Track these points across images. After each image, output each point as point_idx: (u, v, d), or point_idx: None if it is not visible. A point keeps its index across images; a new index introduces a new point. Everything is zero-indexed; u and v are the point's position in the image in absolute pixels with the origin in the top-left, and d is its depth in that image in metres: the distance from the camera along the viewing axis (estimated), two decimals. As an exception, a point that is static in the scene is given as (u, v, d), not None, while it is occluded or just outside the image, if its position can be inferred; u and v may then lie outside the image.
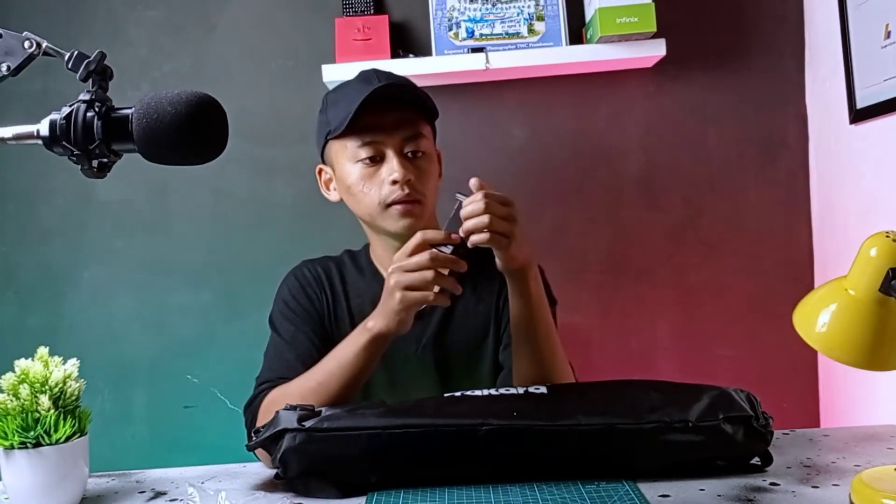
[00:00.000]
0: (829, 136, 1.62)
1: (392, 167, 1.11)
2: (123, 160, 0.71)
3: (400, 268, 0.97)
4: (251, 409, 1.12)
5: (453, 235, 0.97)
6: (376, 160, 1.13)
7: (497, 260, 1.02)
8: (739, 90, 1.70)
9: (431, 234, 0.98)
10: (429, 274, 0.95)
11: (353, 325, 1.16)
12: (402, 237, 1.11)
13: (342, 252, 1.29)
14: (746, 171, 1.71)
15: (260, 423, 1.03)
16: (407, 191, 1.11)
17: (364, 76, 1.17)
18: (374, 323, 1.00)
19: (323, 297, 1.22)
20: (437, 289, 0.96)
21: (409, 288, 0.96)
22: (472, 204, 0.96)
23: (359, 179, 1.14)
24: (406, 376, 1.19)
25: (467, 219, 0.96)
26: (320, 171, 1.24)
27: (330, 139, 1.16)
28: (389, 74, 1.17)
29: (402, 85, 1.15)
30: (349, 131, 1.13)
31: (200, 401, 1.76)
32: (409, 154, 1.14)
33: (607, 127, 1.72)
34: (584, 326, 1.71)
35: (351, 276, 1.24)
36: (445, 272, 0.96)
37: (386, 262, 1.15)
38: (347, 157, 1.15)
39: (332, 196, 1.23)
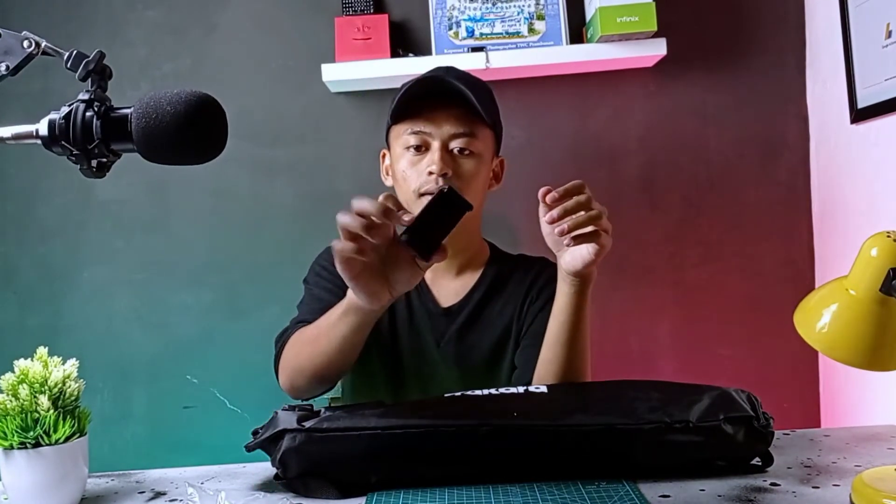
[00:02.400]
0: (829, 136, 1.62)
1: (432, 158, 1.13)
2: (123, 160, 0.71)
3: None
4: (281, 340, 1.15)
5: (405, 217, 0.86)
6: (422, 150, 1.15)
7: (574, 262, 1.00)
8: (740, 90, 1.70)
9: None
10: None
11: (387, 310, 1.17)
12: None
13: None
14: (747, 170, 1.71)
15: (284, 356, 1.10)
16: (441, 183, 1.12)
17: (436, 70, 1.20)
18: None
19: None
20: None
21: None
22: (580, 213, 0.93)
23: (404, 165, 1.17)
24: (428, 367, 1.21)
25: (575, 227, 0.93)
26: (384, 155, 1.27)
27: (391, 124, 1.20)
28: (462, 74, 1.18)
29: (465, 81, 1.15)
30: (405, 118, 1.16)
31: (200, 401, 1.76)
32: (456, 150, 1.15)
33: (607, 126, 1.72)
34: (584, 326, 1.71)
35: None
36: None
37: None
38: (400, 142, 1.18)
39: (388, 181, 1.26)
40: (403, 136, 1.16)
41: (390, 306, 1.15)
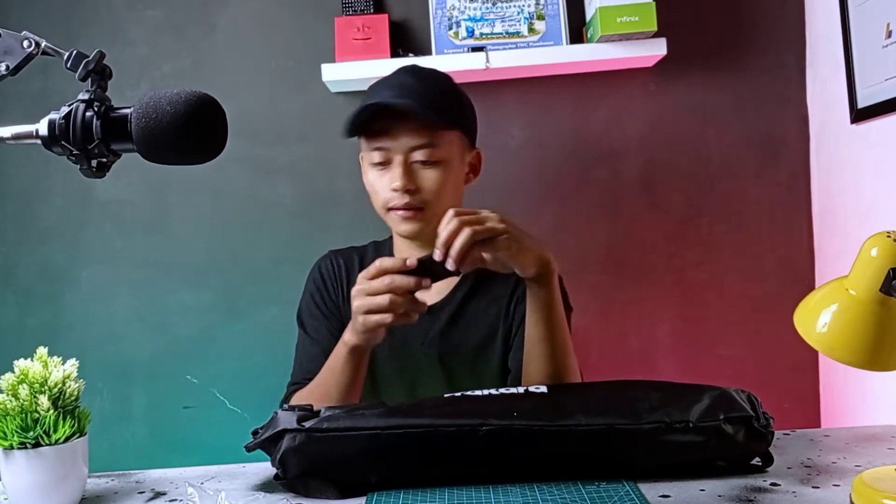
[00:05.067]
0: (829, 136, 1.62)
1: (394, 175, 1.14)
2: (123, 160, 0.71)
3: (360, 290, 0.99)
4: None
5: (408, 261, 0.97)
6: (386, 165, 1.16)
7: (515, 269, 1.03)
8: (740, 90, 1.70)
9: (388, 263, 0.98)
10: (383, 300, 0.97)
11: None
12: (409, 238, 1.19)
13: (369, 243, 1.33)
14: (747, 171, 1.71)
15: None
16: (406, 199, 1.14)
17: (392, 79, 1.18)
18: (349, 337, 1.05)
19: (339, 289, 1.26)
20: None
21: (368, 311, 0.98)
22: (446, 227, 0.95)
23: (372, 179, 1.18)
24: (412, 368, 1.21)
25: (448, 244, 0.95)
26: (362, 158, 1.26)
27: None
28: (414, 80, 1.17)
29: (419, 87, 1.15)
30: (364, 133, 1.16)
31: (200, 401, 1.75)
32: (418, 162, 1.15)
33: (607, 126, 1.72)
34: (584, 326, 1.70)
35: None
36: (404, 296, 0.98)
37: (404, 254, 1.22)
38: (366, 157, 1.18)
39: None
40: (367, 151, 1.17)
41: None
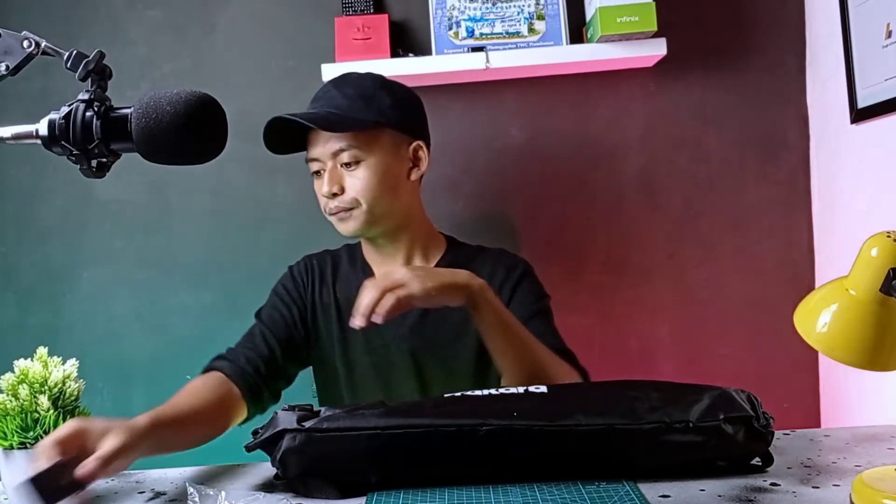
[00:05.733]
0: (829, 136, 1.62)
1: (322, 181, 1.20)
2: (123, 159, 0.71)
3: None
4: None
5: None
6: (320, 173, 1.21)
7: (446, 304, 1.06)
8: (740, 90, 1.70)
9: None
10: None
11: (339, 311, 1.26)
12: (354, 237, 1.25)
13: (342, 246, 1.36)
14: (746, 171, 1.71)
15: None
16: (336, 202, 1.19)
17: (319, 90, 1.23)
18: None
19: (310, 286, 1.30)
20: None
21: None
22: (360, 296, 0.99)
23: (315, 189, 1.23)
24: (386, 364, 1.23)
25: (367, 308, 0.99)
26: None
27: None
28: (345, 82, 1.21)
29: (334, 92, 1.19)
30: (278, 149, 1.22)
31: (200, 401, 1.75)
32: (345, 164, 1.19)
33: (607, 126, 1.72)
34: (584, 326, 1.71)
35: (343, 267, 1.31)
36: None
37: (371, 255, 1.28)
38: (309, 169, 1.24)
39: None
40: (307, 163, 1.22)
41: (340, 308, 1.25)
